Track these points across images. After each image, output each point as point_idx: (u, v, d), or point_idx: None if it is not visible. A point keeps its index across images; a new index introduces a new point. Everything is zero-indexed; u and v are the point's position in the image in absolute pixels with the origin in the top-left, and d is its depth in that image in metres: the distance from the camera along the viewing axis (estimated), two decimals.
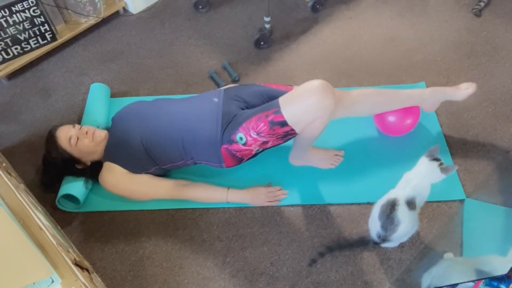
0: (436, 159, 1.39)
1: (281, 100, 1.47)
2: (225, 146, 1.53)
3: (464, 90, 1.69)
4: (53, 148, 1.61)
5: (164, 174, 1.68)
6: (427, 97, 1.69)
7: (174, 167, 1.64)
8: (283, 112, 1.43)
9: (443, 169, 1.37)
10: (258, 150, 1.55)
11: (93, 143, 1.62)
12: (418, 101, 1.70)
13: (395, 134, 1.79)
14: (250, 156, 1.57)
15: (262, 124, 1.46)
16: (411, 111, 1.71)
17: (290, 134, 1.49)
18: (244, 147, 1.52)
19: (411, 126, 1.74)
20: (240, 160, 1.58)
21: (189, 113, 1.58)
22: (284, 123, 1.44)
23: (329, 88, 1.41)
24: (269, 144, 1.53)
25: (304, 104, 1.41)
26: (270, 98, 1.59)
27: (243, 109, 1.57)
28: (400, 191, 1.40)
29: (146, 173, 1.62)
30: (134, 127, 1.61)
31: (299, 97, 1.42)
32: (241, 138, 1.50)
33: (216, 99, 1.60)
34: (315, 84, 1.41)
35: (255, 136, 1.48)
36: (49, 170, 1.68)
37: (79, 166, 1.65)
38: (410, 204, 1.38)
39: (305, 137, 1.54)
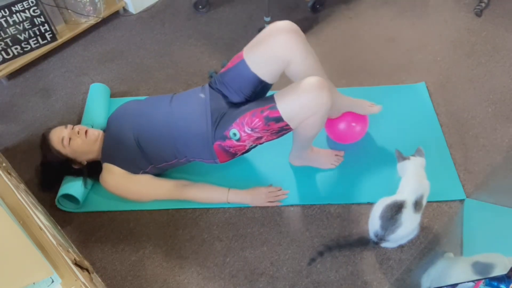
0: (407, 157, 1.50)
1: (277, 95, 1.47)
2: (218, 142, 1.53)
3: (368, 108, 1.70)
4: (48, 150, 1.61)
5: (160, 173, 1.68)
6: (345, 104, 1.68)
7: (169, 166, 1.64)
8: (279, 108, 1.44)
9: (419, 152, 1.52)
10: (251, 145, 1.55)
11: (86, 142, 1.62)
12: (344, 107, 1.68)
13: (346, 142, 1.78)
14: (243, 151, 1.57)
15: (257, 119, 1.46)
16: (360, 117, 1.71)
17: (285, 129, 1.49)
18: (237, 143, 1.52)
19: (360, 133, 1.74)
20: (233, 155, 1.58)
21: (178, 111, 1.58)
22: (279, 119, 1.44)
23: (325, 85, 1.42)
24: (263, 140, 1.53)
25: (300, 100, 1.41)
26: (246, 84, 1.55)
27: (229, 103, 1.57)
28: (409, 194, 1.40)
29: (144, 172, 1.62)
30: (127, 126, 1.61)
31: (296, 94, 1.43)
32: (234, 134, 1.50)
33: (202, 95, 1.60)
34: (312, 81, 1.41)
35: (249, 132, 1.48)
36: (46, 172, 1.68)
37: (75, 166, 1.65)
38: (417, 205, 1.39)
39: (302, 135, 1.54)
